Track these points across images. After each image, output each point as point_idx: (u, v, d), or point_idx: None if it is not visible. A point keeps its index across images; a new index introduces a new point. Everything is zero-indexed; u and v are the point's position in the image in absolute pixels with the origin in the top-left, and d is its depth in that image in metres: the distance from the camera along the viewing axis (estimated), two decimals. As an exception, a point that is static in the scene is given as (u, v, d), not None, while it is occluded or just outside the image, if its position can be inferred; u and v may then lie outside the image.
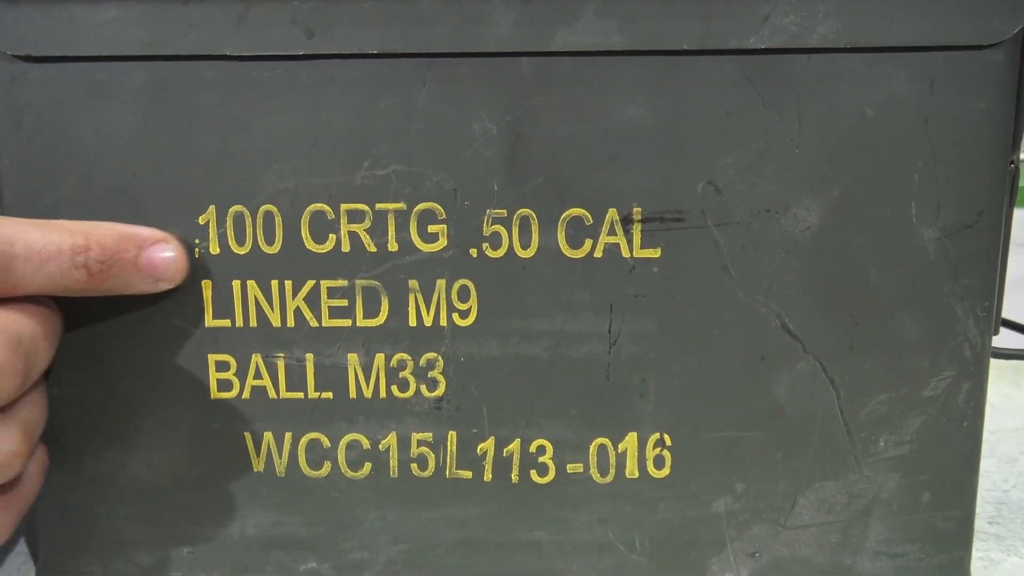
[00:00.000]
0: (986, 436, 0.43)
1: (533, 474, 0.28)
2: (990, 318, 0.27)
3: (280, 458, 0.29)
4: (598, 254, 0.27)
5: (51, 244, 0.25)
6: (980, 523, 0.34)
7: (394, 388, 0.28)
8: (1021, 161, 0.28)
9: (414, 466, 0.29)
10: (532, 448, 0.28)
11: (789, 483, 0.28)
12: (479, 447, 0.28)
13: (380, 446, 0.28)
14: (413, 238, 0.27)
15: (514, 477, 0.28)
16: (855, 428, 0.28)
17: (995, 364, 0.53)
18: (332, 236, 0.27)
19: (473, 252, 0.27)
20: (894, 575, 0.29)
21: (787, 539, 0.29)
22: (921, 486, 0.28)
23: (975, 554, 0.31)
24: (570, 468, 0.28)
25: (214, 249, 0.27)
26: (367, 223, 0.27)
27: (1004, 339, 0.38)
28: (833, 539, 0.29)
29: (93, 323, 0.28)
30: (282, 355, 0.28)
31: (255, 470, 0.29)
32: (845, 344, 0.27)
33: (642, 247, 0.27)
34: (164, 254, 0.26)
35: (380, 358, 0.28)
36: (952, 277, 0.27)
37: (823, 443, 0.28)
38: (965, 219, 0.27)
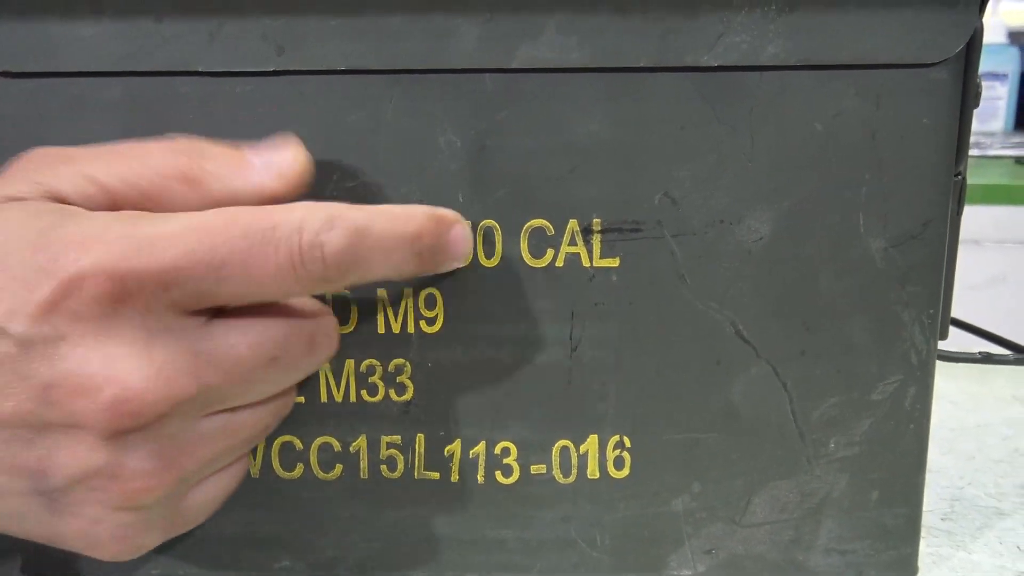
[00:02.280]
0: (946, 433, 0.44)
1: (498, 475, 0.30)
2: (935, 324, 0.28)
3: (254, 460, 0.30)
4: (559, 263, 0.28)
5: (397, 231, 0.24)
6: (933, 519, 0.35)
7: (364, 392, 0.29)
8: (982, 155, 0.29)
9: (383, 467, 0.30)
10: (497, 450, 0.29)
11: (744, 483, 0.29)
12: (446, 449, 0.29)
13: (351, 448, 0.29)
14: (381, 248, 0.28)
15: (480, 478, 0.30)
16: (807, 430, 0.29)
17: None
18: (303, 246, 0.28)
19: (439, 261, 0.28)
20: (845, 570, 0.30)
21: (742, 536, 0.30)
22: (870, 485, 0.29)
23: (925, 549, 0.32)
24: (534, 469, 0.29)
25: (188, 258, 0.28)
26: (337, 233, 0.28)
27: (963, 341, 0.39)
28: (786, 536, 0.30)
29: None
30: (255, 360, 0.29)
31: (230, 471, 0.30)
32: (797, 349, 0.28)
33: (602, 256, 0.28)
34: (464, 232, 0.26)
35: (350, 364, 0.29)
36: (899, 285, 0.28)
37: (776, 444, 0.29)
38: (911, 229, 0.28)
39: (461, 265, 0.27)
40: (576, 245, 0.28)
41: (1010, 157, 1.19)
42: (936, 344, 0.29)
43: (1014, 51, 1.41)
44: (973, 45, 0.27)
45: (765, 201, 0.27)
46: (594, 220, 0.28)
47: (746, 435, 0.29)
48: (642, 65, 0.27)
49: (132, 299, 0.22)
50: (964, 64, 0.27)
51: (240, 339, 0.24)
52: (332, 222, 0.23)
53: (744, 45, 0.26)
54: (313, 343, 0.25)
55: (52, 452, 0.22)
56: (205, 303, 0.23)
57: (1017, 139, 1.31)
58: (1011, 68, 1.40)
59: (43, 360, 0.22)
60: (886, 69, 0.27)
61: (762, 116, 0.27)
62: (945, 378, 0.52)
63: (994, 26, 1.40)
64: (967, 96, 0.27)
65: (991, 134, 1.38)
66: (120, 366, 0.22)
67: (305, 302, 0.25)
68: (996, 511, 0.36)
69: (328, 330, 0.26)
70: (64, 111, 0.27)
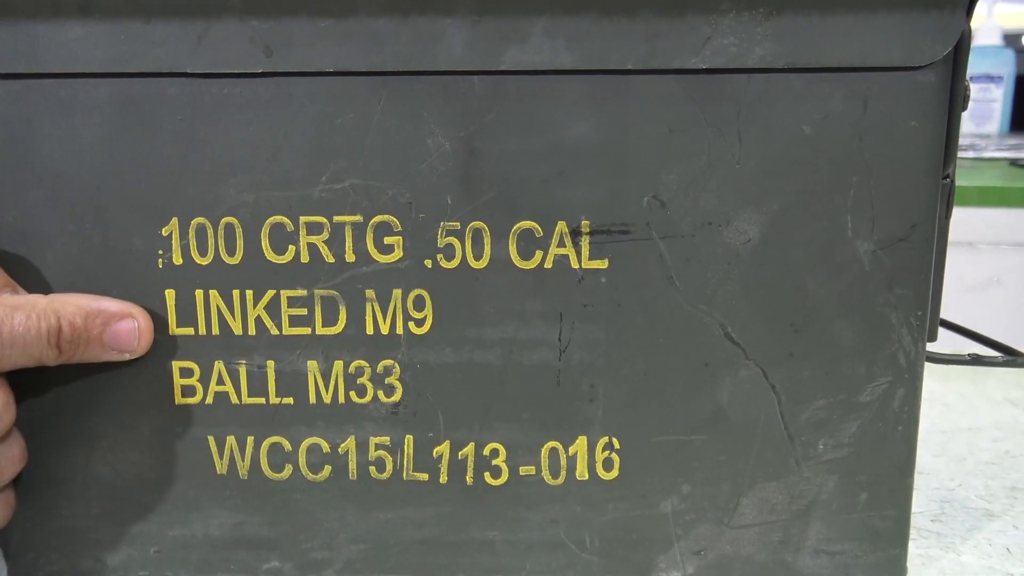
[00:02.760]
0: (938, 435, 0.44)
1: (487, 476, 0.30)
2: (923, 326, 0.28)
3: (243, 461, 0.30)
4: (548, 265, 0.28)
5: (32, 328, 0.26)
6: (923, 521, 0.35)
7: (352, 394, 0.29)
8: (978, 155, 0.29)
9: (372, 468, 0.30)
10: (486, 451, 0.29)
11: (733, 484, 0.29)
12: (435, 450, 0.29)
13: (339, 449, 0.29)
14: (370, 249, 0.28)
15: (469, 479, 0.30)
16: (795, 432, 0.29)
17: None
18: (291, 247, 0.28)
19: (428, 263, 0.28)
20: (833, 572, 0.30)
21: (731, 538, 0.30)
22: (858, 487, 0.29)
23: (915, 551, 0.32)
24: (523, 470, 0.29)
25: (177, 260, 0.28)
26: (325, 235, 0.28)
27: (954, 343, 0.39)
28: (775, 538, 0.30)
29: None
30: (244, 362, 0.29)
31: (218, 472, 0.30)
32: (785, 352, 0.28)
33: (590, 258, 0.28)
34: (127, 326, 0.28)
35: (339, 365, 0.29)
36: (887, 288, 0.28)
37: (765, 446, 0.29)
38: (899, 232, 0.28)
39: (133, 356, 0.28)
40: (565, 247, 0.28)
41: (1005, 159, 1.19)
42: (924, 346, 0.29)
43: (1009, 53, 1.42)
44: (961, 48, 0.27)
45: (753, 203, 0.28)
46: (583, 222, 0.28)
47: (735, 437, 0.29)
48: (630, 68, 0.27)
49: None
50: (952, 67, 0.27)
51: None
52: None
53: (732, 48, 0.26)
54: None
55: None
56: None
57: (1012, 141, 1.31)
58: (1006, 70, 1.41)
59: None
60: (873, 72, 0.27)
61: (750, 119, 0.27)
62: (938, 380, 0.53)
63: (989, 28, 1.40)
64: (955, 99, 0.27)
65: (986, 136, 1.38)
66: None
67: None
68: (986, 513, 0.36)
69: None
70: (52, 112, 0.27)
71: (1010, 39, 1.44)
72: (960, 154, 1.22)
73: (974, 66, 1.39)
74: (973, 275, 0.94)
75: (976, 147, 1.26)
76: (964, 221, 0.91)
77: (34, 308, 0.26)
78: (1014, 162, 1.16)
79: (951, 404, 0.49)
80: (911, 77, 0.27)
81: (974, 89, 1.40)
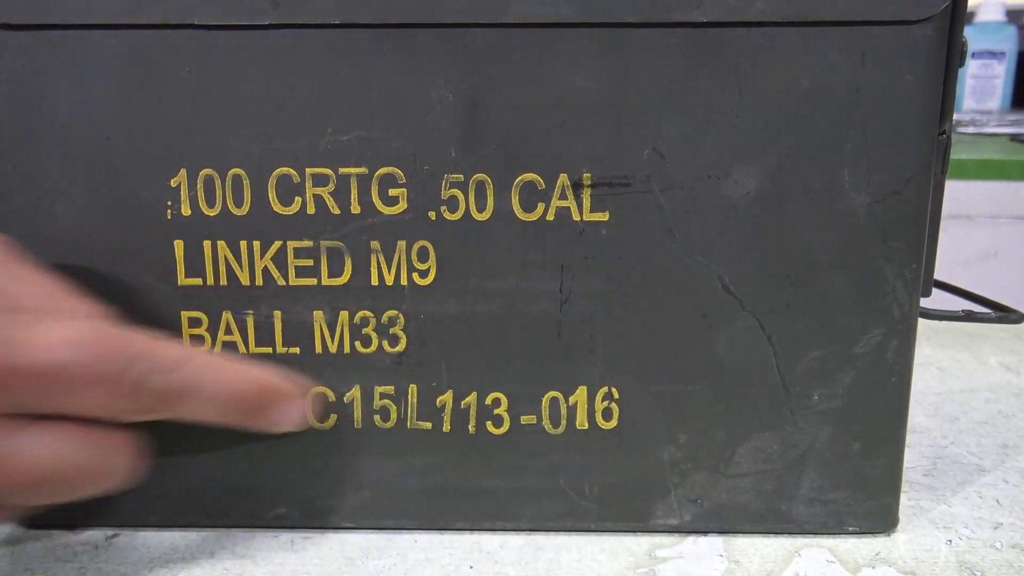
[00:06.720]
0: (932, 397, 0.45)
1: (489, 425, 0.30)
2: (918, 280, 0.29)
3: (249, 410, 0.30)
4: (550, 217, 0.29)
5: (221, 392, 0.27)
6: (915, 475, 0.36)
7: (357, 344, 0.30)
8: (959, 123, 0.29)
9: (377, 418, 0.30)
10: (488, 400, 0.30)
11: (728, 434, 0.30)
12: (438, 400, 0.30)
13: (345, 398, 0.30)
14: (375, 201, 0.29)
15: (471, 428, 0.30)
16: (790, 382, 0.30)
17: (949, 331, 0.55)
18: (298, 199, 0.29)
19: (432, 215, 0.29)
20: (827, 520, 0.31)
21: (726, 486, 0.30)
22: (851, 437, 0.30)
23: (906, 502, 0.33)
24: (524, 420, 0.30)
25: (185, 211, 0.29)
26: (331, 187, 0.28)
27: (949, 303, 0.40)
28: (769, 486, 0.30)
29: (71, 281, 0.29)
30: (251, 312, 0.29)
31: (226, 421, 0.30)
32: (781, 303, 0.29)
33: (591, 211, 0.29)
34: (294, 410, 0.29)
35: (344, 315, 0.29)
36: (881, 240, 0.28)
37: (760, 396, 0.30)
38: (894, 186, 0.28)
39: (288, 430, 0.29)
40: (566, 199, 0.28)
41: (1006, 135, 1.19)
42: (918, 298, 0.29)
43: (1012, 30, 1.41)
44: (958, 2, 0.27)
45: (751, 156, 0.28)
46: (584, 174, 0.28)
47: (731, 387, 0.30)
48: (631, 21, 0.27)
49: None
50: (950, 21, 0.27)
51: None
52: (176, 366, 0.26)
53: (732, 1, 0.27)
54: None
55: None
56: (27, 410, 0.24)
57: (1013, 117, 1.31)
58: (1008, 47, 1.40)
59: None
60: (871, 26, 0.27)
61: (749, 72, 0.27)
62: (934, 346, 0.53)
63: (991, 5, 1.40)
64: (952, 54, 0.28)
65: (987, 112, 1.38)
66: None
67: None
68: (977, 468, 0.36)
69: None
70: (60, 64, 0.28)
71: (1012, 15, 1.43)
72: (961, 130, 1.22)
73: (976, 43, 1.38)
74: (970, 248, 0.95)
75: (977, 123, 1.26)
76: (962, 194, 0.91)
77: (231, 369, 0.27)
78: (1015, 137, 1.16)
79: (946, 368, 0.50)
80: (909, 31, 0.27)
81: (976, 66, 1.39)
